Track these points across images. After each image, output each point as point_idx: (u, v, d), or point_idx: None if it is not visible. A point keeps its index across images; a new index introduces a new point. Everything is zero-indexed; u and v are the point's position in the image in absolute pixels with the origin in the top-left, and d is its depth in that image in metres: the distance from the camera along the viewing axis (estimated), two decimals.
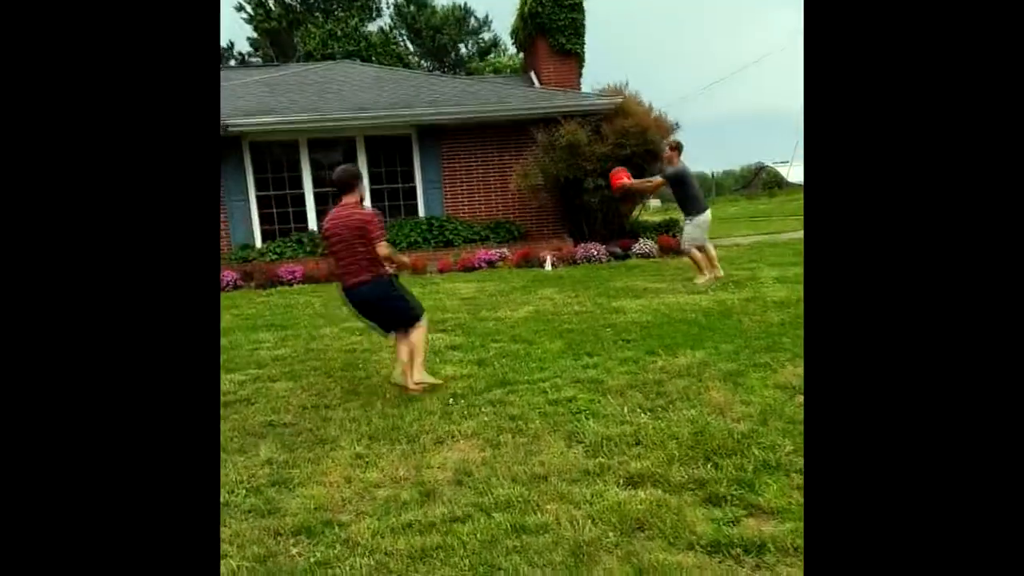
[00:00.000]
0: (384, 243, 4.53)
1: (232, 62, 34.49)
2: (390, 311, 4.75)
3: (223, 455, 3.64)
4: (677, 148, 8.59)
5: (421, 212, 13.09)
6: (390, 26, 39.53)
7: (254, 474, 3.37)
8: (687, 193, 8.44)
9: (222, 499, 3.09)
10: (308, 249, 12.05)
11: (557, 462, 3.23)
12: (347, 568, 2.46)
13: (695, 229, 8.44)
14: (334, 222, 4.59)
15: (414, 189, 13.17)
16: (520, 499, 2.87)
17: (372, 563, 2.48)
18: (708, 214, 8.51)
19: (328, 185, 12.58)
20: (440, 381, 4.76)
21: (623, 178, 8.68)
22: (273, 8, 35.56)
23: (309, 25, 32.82)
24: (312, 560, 2.53)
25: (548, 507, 2.79)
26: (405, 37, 40.32)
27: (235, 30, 38.20)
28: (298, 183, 12.64)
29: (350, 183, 4.64)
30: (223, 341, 6.56)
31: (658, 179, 8.67)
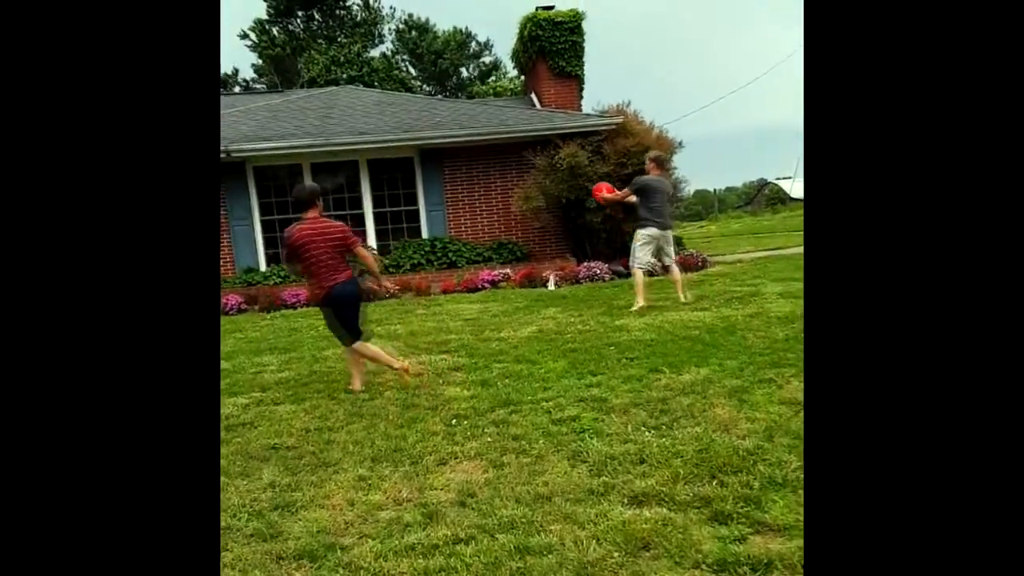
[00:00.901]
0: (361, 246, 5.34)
1: (236, 88, 34.79)
2: (350, 315, 5.31)
3: (225, 479, 3.62)
4: (655, 160, 8.38)
5: (424, 234, 13.13)
6: (392, 51, 39.92)
7: (257, 498, 3.34)
8: (645, 204, 8.06)
9: (224, 523, 3.07)
10: None
11: (561, 482, 3.20)
12: None
13: (639, 248, 8.09)
14: (307, 232, 5.14)
15: (417, 212, 13.22)
16: (524, 520, 2.84)
17: None
18: (654, 230, 8.05)
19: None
20: (402, 365, 5.26)
21: (602, 191, 8.69)
22: (277, 35, 35.96)
23: (312, 51, 33.15)
24: None
25: (552, 528, 2.76)
26: (407, 62, 40.68)
27: (239, 57, 38.73)
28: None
29: (312, 200, 5.30)
30: (227, 365, 6.55)
31: (627, 190, 8.38)
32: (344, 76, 28.95)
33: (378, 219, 13.02)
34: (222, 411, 4.98)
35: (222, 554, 2.79)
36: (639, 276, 8.11)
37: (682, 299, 8.13)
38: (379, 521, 2.99)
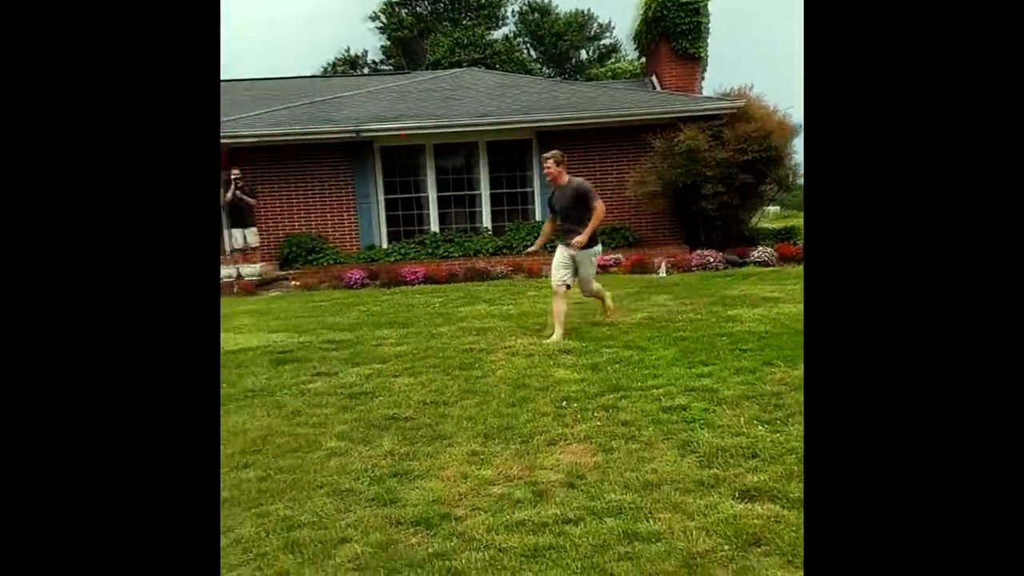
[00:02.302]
0: None
1: (365, 70, 35.98)
2: None
3: (349, 444, 3.85)
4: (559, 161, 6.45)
5: (537, 216, 13.23)
6: (513, 33, 40.10)
7: (377, 464, 3.54)
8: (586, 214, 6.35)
9: (347, 486, 3.27)
10: (429, 251, 12.44)
11: (670, 471, 3.22)
12: (463, 561, 2.55)
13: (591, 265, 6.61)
14: None
15: (531, 194, 13.33)
16: (632, 506, 2.89)
17: (486, 558, 2.56)
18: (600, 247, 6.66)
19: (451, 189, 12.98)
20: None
21: None
22: (405, 17, 36.88)
23: (438, 33, 33.81)
24: (429, 551, 2.64)
25: (660, 516, 2.79)
26: (527, 44, 40.76)
27: (369, 39, 39.81)
28: (422, 187, 13.07)
29: None
30: (350, 336, 6.89)
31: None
32: (467, 58, 29.39)
33: (494, 200, 13.22)
34: (346, 379, 5.27)
35: (344, 515, 2.99)
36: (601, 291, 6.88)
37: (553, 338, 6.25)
38: (490, 495, 3.11)
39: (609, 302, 7.04)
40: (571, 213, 6.44)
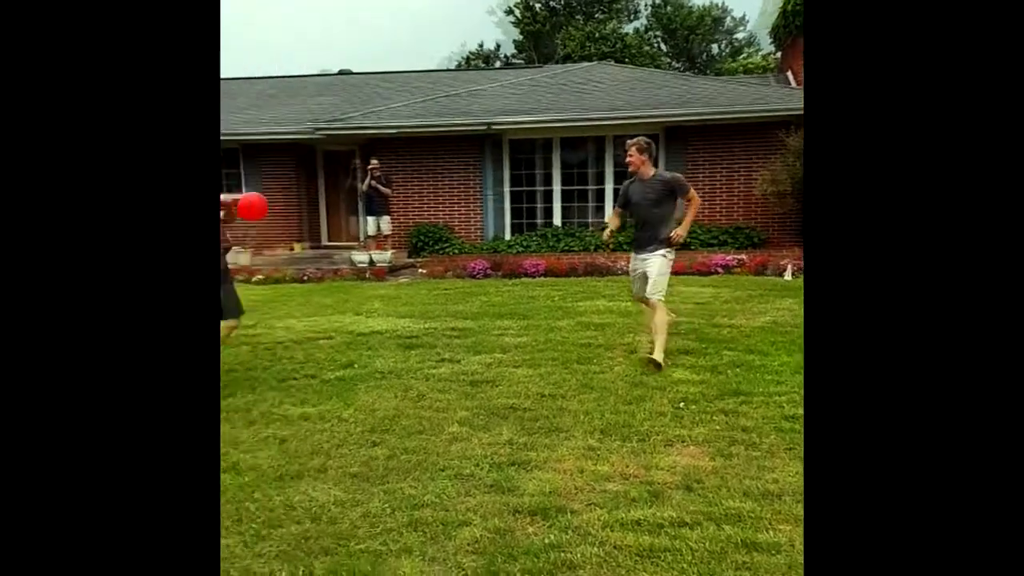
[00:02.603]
0: None
1: (497, 64, 36.54)
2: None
3: (469, 430, 3.99)
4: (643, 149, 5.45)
5: None
6: (645, 27, 39.53)
7: (496, 452, 3.65)
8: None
9: (468, 471, 3.40)
10: (551, 244, 12.54)
11: (792, 482, 3.15)
12: (578, 555, 2.61)
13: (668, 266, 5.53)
14: None
15: None
16: (751, 515, 2.85)
17: (601, 553, 2.61)
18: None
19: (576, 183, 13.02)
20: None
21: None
22: (539, 11, 37.16)
23: (570, 28, 33.84)
24: (545, 541, 2.71)
25: (781, 527, 2.74)
26: (659, 38, 40.08)
27: (501, 33, 40.33)
28: (548, 180, 13.18)
29: None
30: (472, 325, 7.09)
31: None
32: (597, 52, 29.26)
33: (616, 195, 13.16)
34: (468, 367, 5.43)
35: (465, 499, 3.11)
36: (662, 310, 5.50)
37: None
38: (606, 492, 3.14)
39: (661, 331, 5.39)
40: (653, 213, 5.41)
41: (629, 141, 5.50)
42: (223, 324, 4.94)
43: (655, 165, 5.57)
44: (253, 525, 2.93)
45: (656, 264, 5.40)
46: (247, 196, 5.35)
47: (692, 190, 5.47)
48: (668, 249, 5.42)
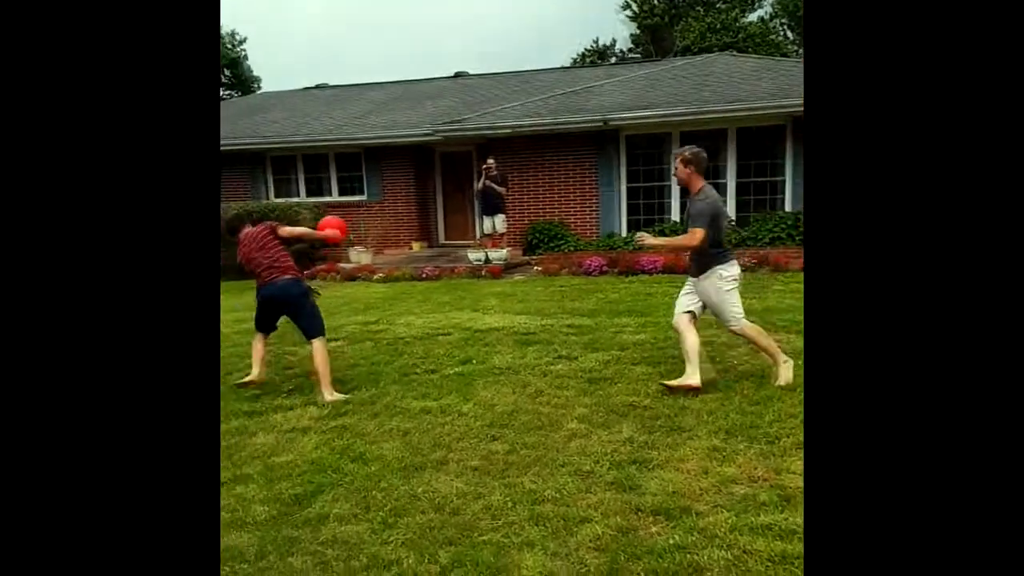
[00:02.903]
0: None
1: (613, 60, 36.24)
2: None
3: (588, 427, 3.94)
4: (687, 160, 4.79)
5: (787, 207, 12.51)
6: (770, 15, 38.07)
7: (617, 449, 3.59)
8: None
9: (588, 468, 3.36)
10: None
11: None
12: (704, 557, 2.52)
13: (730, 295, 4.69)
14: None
15: (781, 183, 12.62)
16: None
17: (729, 557, 2.51)
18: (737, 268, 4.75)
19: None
20: (341, 397, 4.82)
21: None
22: (656, 4, 36.56)
23: (689, 19, 33.07)
24: (670, 542, 2.64)
25: None
26: (785, 26, 38.49)
27: (617, 28, 39.89)
28: (665, 175, 12.90)
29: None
30: (589, 322, 7.03)
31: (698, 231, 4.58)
32: (718, 43, 28.45)
33: (740, 190, 12.70)
34: (586, 364, 5.39)
35: (585, 495, 3.07)
36: (753, 332, 4.77)
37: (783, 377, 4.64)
38: (733, 494, 3.02)
39: (771, 349, 4.75)
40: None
41: (676, 150, 4.91)
42: (319, 340, 4.98)
43: (705, 176, 4.82)
44: (380, 513, 3.01)
45: (710, 293, 4.69)
46: (326, 219, 5.63)
47: (696, 228, 4.56)
48: (721, 270, 4.64)
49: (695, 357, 4.60)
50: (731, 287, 4.67)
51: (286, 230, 5.30)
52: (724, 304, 4.67)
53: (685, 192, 5.51)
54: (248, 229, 5.30)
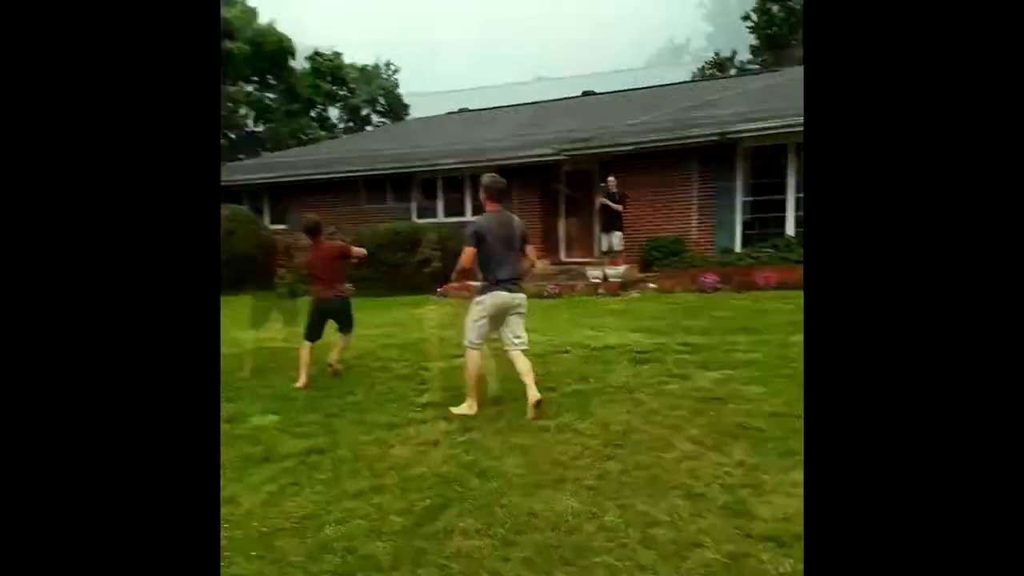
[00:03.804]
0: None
1: (732, 71, 35.67)
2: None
3: (700, 449, 4.04)
4: (488, 189, 5.26)
5: None
6: None
7: (728, 472, 3.67)
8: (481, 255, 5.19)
9: (699, 490, 3.46)
10: (783, 255, 11.99)
11: None
12: None
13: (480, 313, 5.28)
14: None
15: None
16: None
17: None
18: (502, 294, 5.27)
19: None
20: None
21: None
22: (776, 14, 35.75)
23: None
24: (781, 570, 2.71)
25: None
26: None
27: (737, 40, 39.03)
28: (781, 188, 12.63)
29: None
30: (701, 340, 7.06)
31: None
32: None
33: None
34: (699, 383, 5.47)
35: (696, 519, 3.17)
36: (473, 356, 5.26)
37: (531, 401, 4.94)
38: None
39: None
40: None
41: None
42: (343, 336, 6.47)
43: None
44: (501, 530, 3.22)
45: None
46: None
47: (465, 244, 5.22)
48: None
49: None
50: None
51: (356, 251, 6.52)
52: (470, 321, 5.35)
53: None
54: (323, 242, 6.45)
